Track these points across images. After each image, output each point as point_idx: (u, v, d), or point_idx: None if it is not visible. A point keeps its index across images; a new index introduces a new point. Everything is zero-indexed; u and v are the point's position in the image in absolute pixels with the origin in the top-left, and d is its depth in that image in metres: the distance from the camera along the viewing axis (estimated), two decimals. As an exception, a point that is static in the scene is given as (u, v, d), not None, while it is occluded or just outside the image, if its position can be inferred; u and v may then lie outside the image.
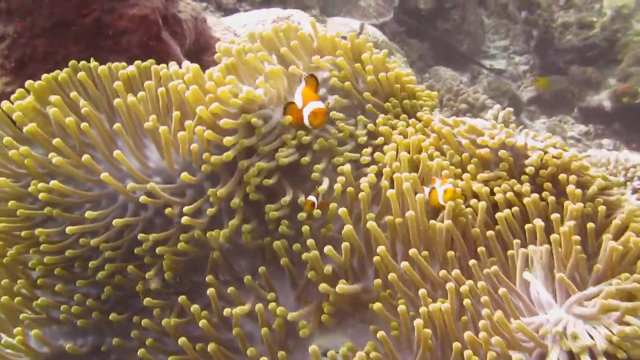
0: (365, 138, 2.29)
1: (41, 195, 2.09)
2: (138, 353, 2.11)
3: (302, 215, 2.14)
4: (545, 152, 2.10)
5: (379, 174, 2.21)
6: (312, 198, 2.10)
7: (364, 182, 2.15)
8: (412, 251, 1.95)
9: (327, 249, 2.00)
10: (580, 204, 1.98)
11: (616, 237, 1.96)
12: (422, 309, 1.86)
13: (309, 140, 2.20)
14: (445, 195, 2.02)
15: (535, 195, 2.04)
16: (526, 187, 2.06)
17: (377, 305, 1.95)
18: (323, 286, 1.99)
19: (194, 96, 2.05)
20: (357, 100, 2.34)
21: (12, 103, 2.17)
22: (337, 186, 2.14)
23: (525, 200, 2.02)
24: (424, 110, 2.40)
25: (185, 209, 2.11)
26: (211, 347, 2.02)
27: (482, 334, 1.77)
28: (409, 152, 2.22)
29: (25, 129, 2.12)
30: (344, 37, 2.41)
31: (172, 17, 2.52)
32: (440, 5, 8.90)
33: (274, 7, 3.49)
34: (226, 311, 2.07)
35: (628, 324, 1.67)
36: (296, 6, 5.84)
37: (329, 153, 2.27)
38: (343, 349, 1.95)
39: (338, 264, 2.04)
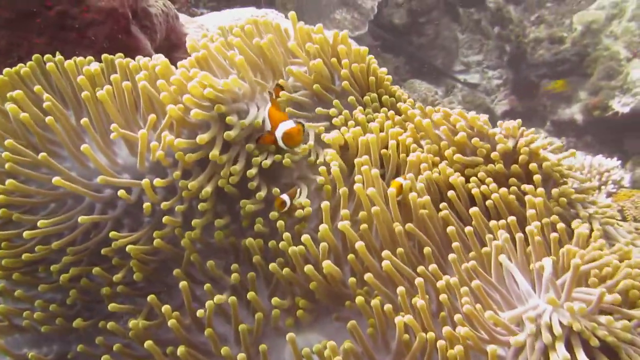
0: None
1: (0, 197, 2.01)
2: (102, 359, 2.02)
3: (273, 214, 2.08)
4: (517, 141, 2.09)
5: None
6: (284, 197, 2.04)
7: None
8: (385, 253, 1.90)
9: (305, 237, 1.94)
10: (540, 200, 1.96)
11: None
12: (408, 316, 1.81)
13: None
14: (392, 185, 2.00)
15: (503, 190, 2.02)
16: (500, 166, 2.03)
17: (358, 299, 1.90)
18: (309, 268, 1.93)
19: (169, 97, 1.98)
20: (336, 94, 2.29)
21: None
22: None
23: (494, 196, 1.99)
24: (403, 101, 2.37)
25: (163, 204, 2.04)
26: (180, 350, 1.94)
27: (457, 329, 1.72)
28: (386, 148, 2.18)
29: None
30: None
31: (142, 10, 2.45)
32: (415, 20, 8.98)
33: (248, 7, 3.47)
34: (199, 312, 1.99)
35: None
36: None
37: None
38: (317, 346, 1.89)
39: (314, 257, 1.98)
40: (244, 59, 2.06)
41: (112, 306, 2.05)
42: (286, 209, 2.04)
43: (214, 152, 1.98)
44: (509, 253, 1.81)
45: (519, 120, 2.16)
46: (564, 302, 1.62)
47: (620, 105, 8.01)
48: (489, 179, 2.04)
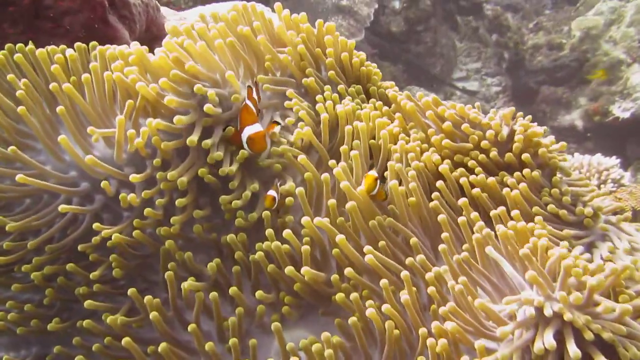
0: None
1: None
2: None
3: (267, 213, 2.00)
4: (514, 130, 2.00)
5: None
6: (272, 193, 1.96)
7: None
8: (367, 248, 1.82)
9: (286, 233, 1.86)
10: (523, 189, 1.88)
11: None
12: (385, 306, 1.72)
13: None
14: (365, 181, 1.91)
15: (492, 179, 1.94)
16: (494, 154, 1.95)
17: (338, 296, 1.81)
18: (290, 269, 1.84)
19: (138, 77, 1.90)
20: (319, 85, 2.22)
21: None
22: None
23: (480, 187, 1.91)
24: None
25: (144, 193, 1.96)
26: (162, 346, 1.85)
27: (445, 324, 1.63)
28: (374, 138, 2.10)
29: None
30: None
31: (119, 0, 2.39)
32: (412, 28, 8.93)
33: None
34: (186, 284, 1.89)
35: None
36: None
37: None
38: (304, 341, 1.80)
39: (297, 251, 1.89)
40: (226, 44, 1.98)
41: (88, 303, 1.96)
42: (276, 204, 1.96)
43: (192, 138, 1.89)
44: (496, 245, 1.72)
45: (512, 108, 2.08)
46: (558, 291, 1.53)
47: (621, 110, 7.93)
48: (479, 169, 1.95)
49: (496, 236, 1.75)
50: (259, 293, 1.90)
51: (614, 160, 3.78)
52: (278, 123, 2.06)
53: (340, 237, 1.82)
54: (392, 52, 8.74)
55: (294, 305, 1.94)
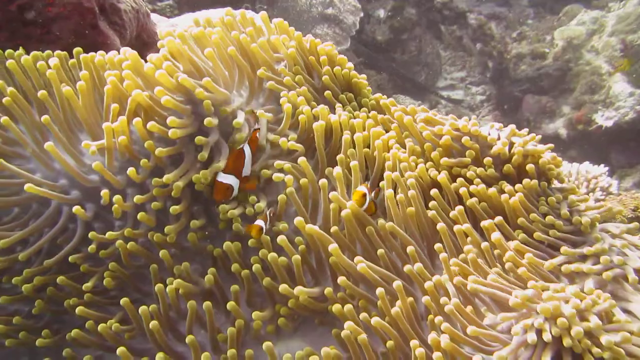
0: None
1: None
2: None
3: (252, 241, 1.96)
4: (512, 144, 1.99)
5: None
6: (260, 223, 1.92)
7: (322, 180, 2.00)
8: (358, 258, 1.80)
9: (281, 239, 1.83)
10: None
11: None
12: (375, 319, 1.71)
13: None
14: (353, 197, 1.90)
15: (493, 190, 1.93)
16: (491, 171, 1.94)
17: (335, 307, 1.79)
18: (284, 287, 1.82)
19: (133, 84, 1.86)
20: (311, 92, 2.20)
21: None
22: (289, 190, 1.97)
23: (471, 200, 1.90)
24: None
25: (136, 198, 1.92)
26: (159, 356, 1.80)
27: (441, 337, 1.61)
28: (368, 147, 2.09)
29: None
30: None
31: (110, 6, 2.33)
32: (397, 37, 8.96)
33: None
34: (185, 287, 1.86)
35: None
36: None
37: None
38: (300, 353, 1.77)
39: (292, 259, 1.87)
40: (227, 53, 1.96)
41: (79, 309, 1.91)
42: (263, 234, 1.93)
43: (177, 132, 1.84)
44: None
45: (513, 126, 2.08)
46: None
47: (604, 119, 8.00)
48: (477, 180, 1.94)
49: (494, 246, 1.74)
50: (255, 314, 1.87)
51: (602, 169, 3.80)
52: (257, 178, 2.04)
53: (333, 247, 1.80)
54: (377, 60, 8.75)
55: (289, 317, 1.91)
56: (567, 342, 1.47)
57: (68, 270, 2.00)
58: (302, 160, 1.97)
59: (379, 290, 1.74)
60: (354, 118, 2.14)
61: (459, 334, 1.61)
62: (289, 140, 2.04)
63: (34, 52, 1.98)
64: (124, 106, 1.92)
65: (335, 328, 1.83)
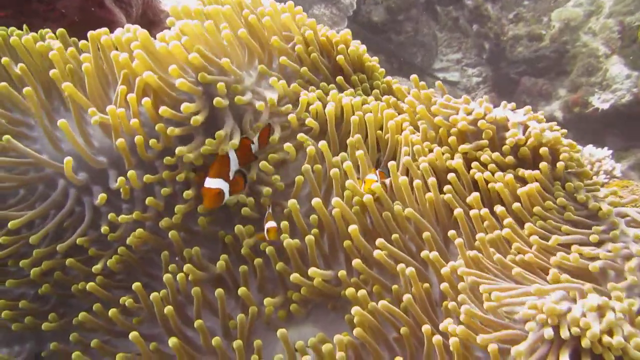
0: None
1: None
2: (73, 356, 1.84)
3: (264, 245, 1.92)
4: (527, 126, 1.96)
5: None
6: (273, 224, 1.86)
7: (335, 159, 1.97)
8: (380, 241, 1.78)
9: (291, 202, 1.79)
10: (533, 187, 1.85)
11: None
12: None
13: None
14: (365, 186, 1.88)
15: (510, 176, 1.90)
16: (510, 158, 1.91)
17: (348, 291, 1.76)
18: (295, 276, 1.79)
19: (143, 65, 1.81)
20: (324, 74, 2.16)
21: None
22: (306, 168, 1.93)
23: (497, 186, 1.87)
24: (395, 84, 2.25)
25: (146, 178, 1.88)
26: (173, 342, 1.77)
27: (457, 328, 1.59)
28: (381, 129, 2.05)
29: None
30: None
31: (116, -18, 2.28)
32: (393, 17, 8.88)
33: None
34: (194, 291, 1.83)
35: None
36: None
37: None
38: (312, 340, 1.75)
39: (304, 238, 1.84)
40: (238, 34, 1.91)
41: (90, 285, 1.89)
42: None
43: (198, 118, 1.80)
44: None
45: (528, 107, 2.04)
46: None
47: (600, 101, 7.99)
48: (492, 165, 1.91)
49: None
50: (267, 300, 1.85)
51: (605, 152, 3.77)
52: (243, 176, 1.96)
53: (352, 228, 1.77)
54: (373, 42, 8.68)
55: (301, 302, 1.88)
56: (585, 342, 1.44)
57: (74, 254, 1.96)
58: (322, 144, 1.93)
59: (409, 270, 1.70)
60: (366, 103, 2.10)
61: (476, 321, 1.59)
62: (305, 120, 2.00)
63: (42, 31, 1.92)
64: (131, 85, 1.87)
65: (348, 314, 1.80)
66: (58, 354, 1.95)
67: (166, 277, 1.84)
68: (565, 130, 2.13)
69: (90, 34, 1.88)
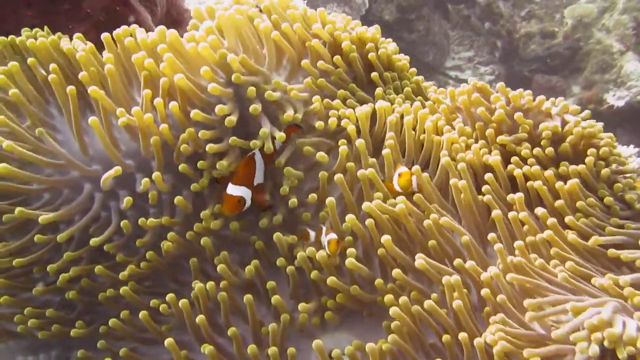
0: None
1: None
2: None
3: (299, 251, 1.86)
4: (566, 122, 1.90)
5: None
6: (334, 236, 1.79)
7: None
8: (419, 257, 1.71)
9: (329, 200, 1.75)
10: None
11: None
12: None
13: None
14: (399, 180, 1.83)
15: (549, 172, 1.84)
16: (550, 150, 1.85)
17: (387, 298, 1.71)
18: (332, 280, 1.74)
19: (172, 67, 1.76)
20: (358, 72, 2.12)
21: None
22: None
23: (536, 184, 1.81)
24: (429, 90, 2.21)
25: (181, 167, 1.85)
26: (208, 349, 1.73)
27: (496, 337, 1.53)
28: (414, 129, 2.00)
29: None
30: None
31: (140, -20, 2.23)
32: (405, 16, 8.83)
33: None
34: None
35: None
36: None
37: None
38: (350, 348, 1.69)
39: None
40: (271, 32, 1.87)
41: (123, 289, 1.86)
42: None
43: (232, 119, 1.76)
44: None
45: (561, 98, 1.98)
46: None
47: (615, 98, 7.91)
48: (532, 160, 1.85)
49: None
50: (302, 306, 1.80)
51: (632, 150, 3.70)
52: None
53: (386, 238, 1.72)
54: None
55: (336, 309, 1.83)
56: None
57: (100, 260, 1.92)
58: (360, 142, 1.88)
59: (454, 278, 1.64)
60: (397, 104, 2.06)
61: (520, 331, 1.53)
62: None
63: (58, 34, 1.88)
64: (156, 86, 1.82)
65: (385, 320, 1.75)
66: (85, 363, 1.92)
67: (197, 285, 1.79)
68: (602, 123, 2.07)
69: (115, 33, 1.83)
